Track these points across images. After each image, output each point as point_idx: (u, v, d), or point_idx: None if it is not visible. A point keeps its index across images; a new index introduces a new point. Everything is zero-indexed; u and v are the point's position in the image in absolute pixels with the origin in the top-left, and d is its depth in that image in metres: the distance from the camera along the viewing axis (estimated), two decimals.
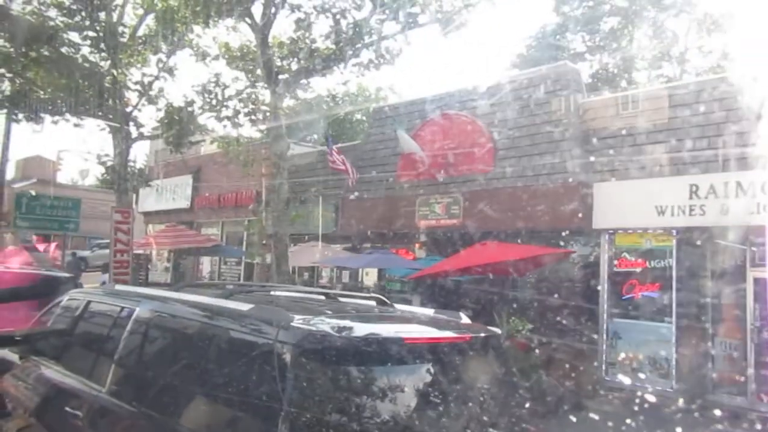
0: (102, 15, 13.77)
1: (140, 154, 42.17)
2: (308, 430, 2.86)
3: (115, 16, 14.25)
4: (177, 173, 20.43)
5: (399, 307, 4.41)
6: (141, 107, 14.35)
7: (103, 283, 12.58)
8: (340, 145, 15.50)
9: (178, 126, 13.12)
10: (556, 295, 10.63)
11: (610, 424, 7.38)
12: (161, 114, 14.03)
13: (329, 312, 3.75)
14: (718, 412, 8.43)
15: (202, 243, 16.97)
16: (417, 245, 13.48)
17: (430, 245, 13.25)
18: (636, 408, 8.42)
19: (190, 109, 12.91)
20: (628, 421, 7.64)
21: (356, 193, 14.41)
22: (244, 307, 3.47)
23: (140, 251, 18.95)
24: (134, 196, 18.03)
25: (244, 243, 18.01)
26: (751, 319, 9.53)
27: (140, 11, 14.75)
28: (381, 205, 13.65)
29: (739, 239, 9.59)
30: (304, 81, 11.29)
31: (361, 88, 28.27)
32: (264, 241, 13.46)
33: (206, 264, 19.87)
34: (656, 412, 8.10)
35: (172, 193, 20.70)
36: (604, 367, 10.10)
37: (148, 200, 21.60)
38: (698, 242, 9.94)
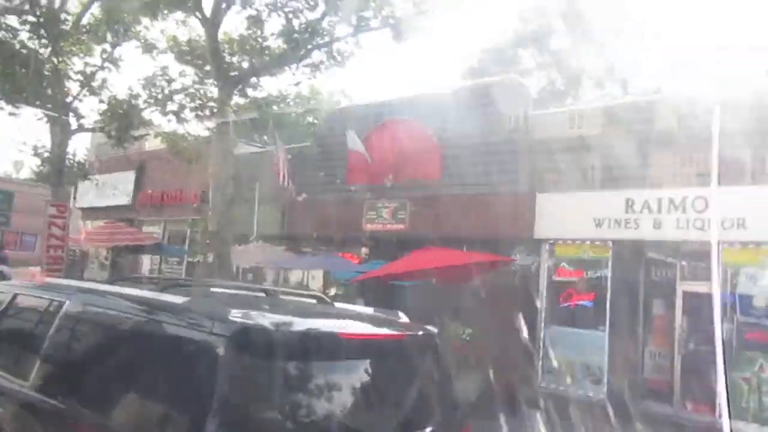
0: (43, 0, 13.23)
1: (80, 147, 40.53)
2: (238, 427, 2.80)
3: (57, 2, 13.71)
4: (118, 169, 19.74)
5: (339, 305, 4.41)
6: (82, 98, 13.83)
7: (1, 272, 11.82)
8: (291, 146, 15.37)
9: (121, 119, 12.71)
10: (496, 302, 10.81)
11: (540, 428, 7.57)
12: (104, 106, 13.55)
13: (267, 307, 3.71)
14: (643, 418, 8.75)
15: (142, 241, 16.48)
16: (363, 249, 13.50)
17: (376, 249, 13.28)
18: (566, 413, 8.66)
19: (134, 102, 12.53)
20: (557, 426, 7.86)
21: (304, 195, 14.31)
22: (179, 299, 3.39)
23: (75, 247, 18.23)
24: (72, 190, 17.34)
25: (187, 242, 17.61)
26: (679, 330, 9.97)
27: None
28: (328, 208, 13.59)
29: (670, 253, 10.04)
30: (254, 79, 11.16)
31: (313, 90, 28.13)
32: (207, 240, 13.17)
33: (146, 263, 19.28)
34: (586, 418, 8.33)
35: (113, 189, 19.99)
36: (540, 373, 10.34)
37: (87, 196, 20.80)
38: (632, 255, 10.35)
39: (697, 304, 9.84)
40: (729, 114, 9.01)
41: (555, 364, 10.27)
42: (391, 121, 13.06)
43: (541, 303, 10.58)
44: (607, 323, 9.95)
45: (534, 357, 10.41)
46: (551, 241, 10.70)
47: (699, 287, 9.75)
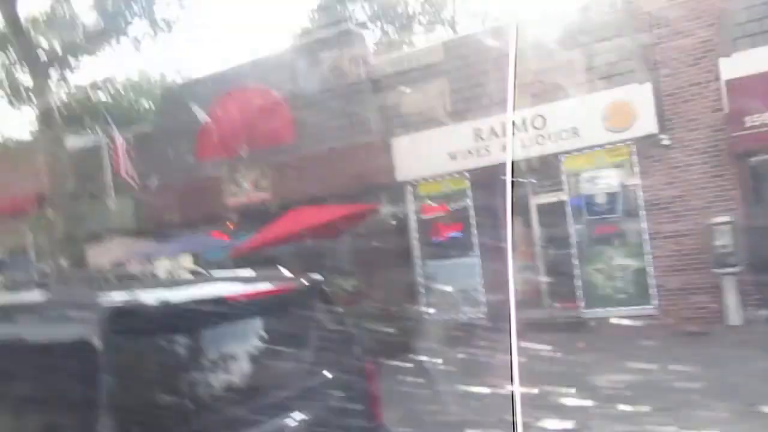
0: None
1: None
2: (134, 417, 2.61)
3: None
4: None
5: (216, 273, 4.23)
6: None
7: None
8: (131, 134, 14.30)
9: None
10: (373, 250, 11.04)
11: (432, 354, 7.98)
12: None
13: (141, 286, 3.47)
14: (520, 326, 9.48)
15: None
16: (229, 225, 13.06)
17: (243, 223, 12.91)
18: (451, 337, 9.18)
19: None
20: (447, 351, 8.33)
21: (156, 182, 13.48)
22: (41, 295, 3.06)
23: None
24: None
25: (32, 252, 15.92)
26: (539, 241, 10.86)
27: None
28: (185, 191, 12.94)
29: (520, 173, 10.77)
30: (71, 60, 10.09)
31: (143, 73, 26.28)
32: (54, 246, 12.01)
33: None
34: (468, 337, 8.89)
35: None
36: (425, 308, 10.80)
37: None
38: (488, 181, 10.98)
39: (550, 214, 10.78)
40: (545, 32, 9.82)
41: (437, 295, 10.77)
42: (235, 90, 12.56)
43: (414, 242, 10.96)
44: (477, 249, 10.55)
45: (417, 294, 10.83)
46: (413, 182, 11.04)
47: (549, 198, 10.66)
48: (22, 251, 16.34)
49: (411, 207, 11.08)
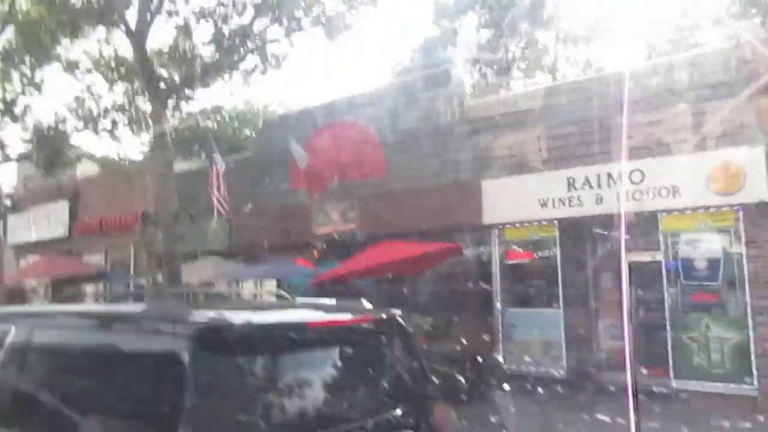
0: None
1: (6, 180, 38.49)
2: (212, 428, 2.69)
3: None
4: (50, 199, 18.85)
5: (300, 299, 4.33)
6: (4, 126, 13.13)
7: None
8: (230, 159, 15.10)
9: (48, 146, 12.14)
10: (454, 291, 10.93)
11: (505, 405, 7.70)
12: (29, 134, 12.90)
13: (229, 306, 3.62)
14: (602, 389, 9.00)
15: (84, 271, 15.78)
16: (315, 253, 13.38)
17: (328, 252, 13.19)
18: (530, 392, 8.84)
19: (61, 126, 11.99)
20: (524, 404, 8.01)
21: (250, 206, 14.08)
22: (136, 307, 3.26)
23: (11, 284, 17.28)
24: (1, 225, 16.44)
25: (132, 265, 16.99)
26: (628, 300, 10.33)
27: None
28: (276, 217, 13.43)
29: (613, 227, 10.37)
30: (187, 91, 10.88)
31: (248, 103, 27.82)
32: (154, 263, 12.75)
33: (90, 293, 18.45)
34: (549, 394, 8.54)
35: (47, 221, 19.07)
36: (502, 356, 10.50)
37: (19, 231, 19.74)
38: (578, 232, 10.66)
39: (643, 273, 10.25)
40: (652, 88, 9.52)
41: (516, 345, 10.45)
42: (331, 124, 13.03)
43: (496, 287, 10.75)
44: (561, 300, 10.19)
45: (495, 340, 10.56)
46: (500, 226, 10.89)
47: (643, 257, 10.16)
48: (124, 266, 17.48)
49: (496, 251, 10.90)
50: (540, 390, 9.05)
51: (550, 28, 24.88)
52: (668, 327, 9.15)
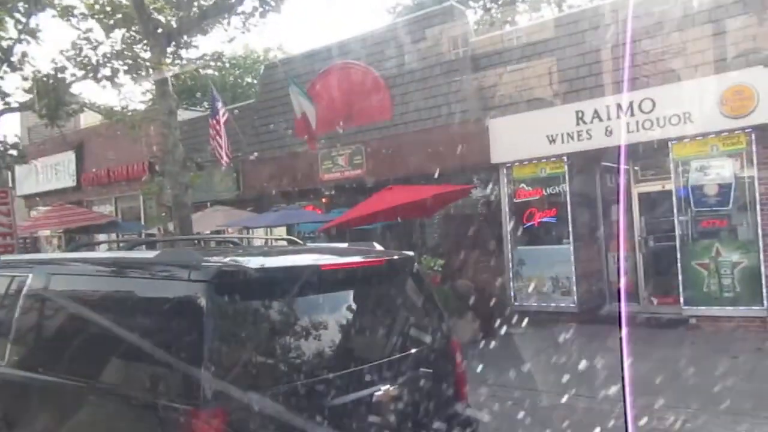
0: None
1: (10, 131, 38.39)
2: (231, 371, 2.75)
3: None
4: (57, 150, 18.84)
5: (312, 245, 4.37)
6: (3, 75, 12.93)
7: None
8: (231, 107, 14.95)
9: (49, 95, 11.98)
10: (463, 231, 10.97)
11: (517, 341, 7.86)
12: (28, 83, 12.72)
13: (241, 251, 3.64)
14: (614, 320, 9.16)
15: (95, 220, 15.89)
16: (323, 199, 13.41)
17: (336, 198, 13.22)
18: (542, 327, 8.99)
19: (61, 75, 11.82)
20: (534, 339, 8.17)
21: (256, 154, 14.05)
22: (150, 254, 3.29)
23: (25, 235, 17.53)
24: (9, 175, 16.48)
25: (143, 215, 17.15)
26: (639, 232, 10.36)
27: None
28: (283, 164, 13.41)
29: (622, 159, 10.27)
30: (186, 38, 10.63)
31: (248, 49, 27.33)
32: (164, 212, 12.83)
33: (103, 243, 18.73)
34: (561, 328, 8.68)
35: (54, 172, 19.16)
36: (513, 294, 10.63)
37: (27, 182, 19.88)
38: (588, 166, 10.59)
39: (653, 203, 10.24)
40: (658, 15, 9.22)
41: (526, 282, 10.55)
42: (334, 67, 12.78)
43: (505, 225, 10.77)
44: (571, 236, 10.21)
45: (505, 278, 10.67)
46: (508, 164, 10.80)
47: (653, 187, 10.12)
48: (134, 215, 17.63)
49: (504, 190, 10.86)
50: (552, 324, 9.22)
51: None
52: (678, 255, 9.18)
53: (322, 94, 12.67)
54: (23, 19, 12.14)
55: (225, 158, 11.85)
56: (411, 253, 3.92)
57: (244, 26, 11.30)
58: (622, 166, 10.11)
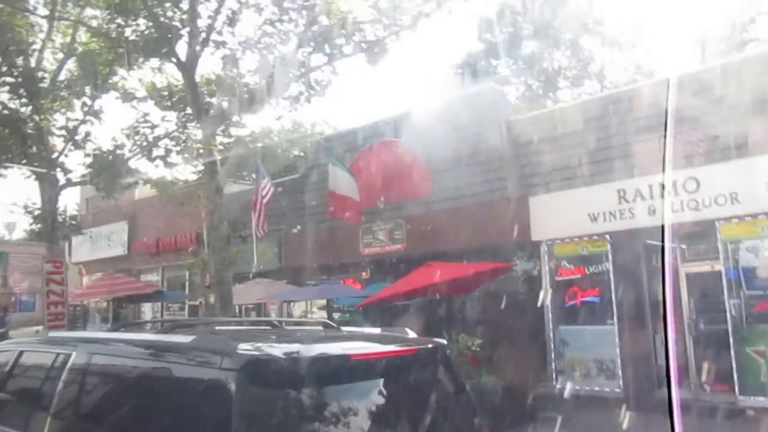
0: (19, 60, 13.34)
1: (70, 202, 40.48)
2: None
3: (33, 61, 13.84)
4: (111, 220, 19.74)
5: (346, 329, 4.38)
6: (68, 153, 13.88)
7: (37, 331, 11.93)
8: (277, 181, 15.41)
9: (107, 170, 12.73)
10: (502, 310, 10.78)
11: (559, 428, 7.51)
12: (89, 159, 13.58)
13: (275, 338, 3.69)
14: (663, 407, 8.67)
15: (142, 289, 16.38)
16: (363, 274, 13.47)
17: (376, 272, 13.26)
18: (584, 412, 8.60)
19: (119, 152, 12.57)
20: (576, 425, 7.80)
21: (299, 227, 14.33)
22: (186, 339, 3.37)
23: (76, 302, 18.11)
24: (66, 245, 17.26)
25: (187, 286, 17.52)
26: (687, 313, 9.96)
27: (60, 55, 14.39)
28: (324, 237, 13.61)
29: (668, 238, 10.03)
30: (235, 117, 11.22)
31: (296, 123, 28.39)
32: (207, 283, 13.10)
33: (148, 311, 19.16)
34: (606, 414, 8.29)
35: (107, 241, 19.95)
36: (554, 375, 10.27)
37: (82, 250, 20.75)
38: (631, 244, 10.37)
39: (702, 284, 9.88)
40: (703, 93, 9.21)
41: (568, 363, 10.20)
42: (376, 144, 13.12)
43: (547, 304, 10.54)
44: (615, 316, 9.92)
45: (546, 359, 10.34)
46: (549, 242, 10.70)
47: (701, 267, 9.79)
48: (179, 284, 18.05)
49: (546, 268, 10.71)
50: (596, 410, 8.82)
51: (595, 33, 24.44)
52: (731, 340, 8.76)
53: (363, 170, 12.96)
54: (89, 102, 13.05)
55: (260, 232, 12.15)
56: (443, 341, 3.89)
57: (291, 107, 11.87)
58: (668, 246, 9.86)
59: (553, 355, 10.35)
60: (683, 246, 10.14)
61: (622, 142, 10.12)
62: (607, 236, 10.08)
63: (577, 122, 10.77)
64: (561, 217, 10.33)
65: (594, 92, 23.78)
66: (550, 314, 10.49)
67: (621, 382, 9.66)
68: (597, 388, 9.79)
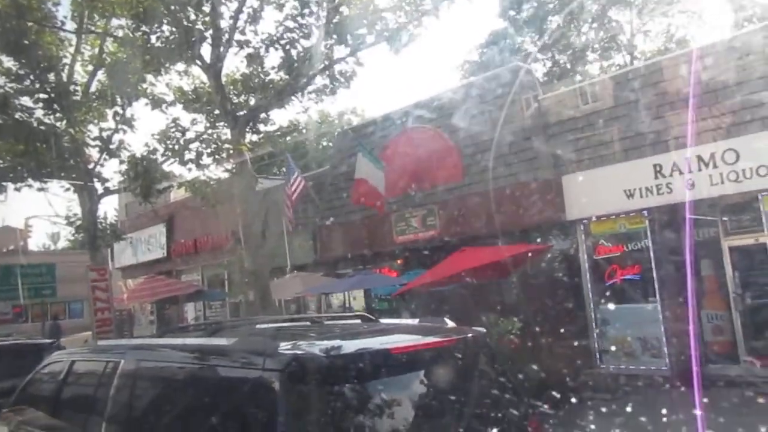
0: (51, 76, 13.70)
1: (110, 209, 41.61)
2: None
3: (64, 76, 14.20)
4: (149, 224, 20.21)
5: (384, 321, 4.41)
6: (103, 162, 14.27)
7: (86, 341, 12.35)
8: (308, 174, 15.51)
9: (143, 176, 13.01)
10: (541, 291, 10.69)
11: (608, 410, 7.42)
12: (124, 166, 13.91)
13: (315, 335, 3.73)
14: (712, 384, 8.52)
15: (184, 290, 16.75)
16: (398, 261, 13.49)
17: (411, 260, 13.27)
18: (633, 392, 8.48)
19: (152, 157, 12.84)
20: (626, 406, 7.69)
21: (332, 219, 14.42)
22: (228, 341, 3.44)
23: (121, 307, 18.64)
24: (109, 252, 17.75)
25: (226, 284, 17.83)
26: (732, 288, 9.70)
27: (90, 67, 14.73)
28: (357, 227, 13.67)
29: (708, 211, 9.79)
30: (263, 115, 11.32)
31: (323, 114, 28.47)
32: (246, 279, 13.32)
33: (191, 311, 19.60)
34: (652, 393, 8.16)
35: (147, 245, 20.44)
36: (597, 355, 10.15)
37: (124, 255, 21.32)
38: (670, 220, 10.13)
39: (746, 257, 9.60)
40: (738, 60, 8.90)
41: (612, 343, 10.07)
42: (406, 130, 13.08)
43: (586, 284, 10.40)
44: (657, 294, 9.73)
45: (589, 339, 10.22)
46: (585, 221, 10.53)
47: (745, 240, 9.52)
48: (219, 282, 18.39)
49: (583, 247, 10.55)
50: (644, 389, 8.69)
51: (622, 1, 23.74)
52: None
53: (394, 157, 12.92)
54: (120, 111, 13.33)
55: (290, 226, 12.26)
56: (482, 330, 3.87)
57: (317, 97, 11.90)
58: (709, 219, 9.62)
59: (595, 335, 10.23)
60: (725, 219, 9.86)
61: (656, 115, 9.87)
62: (645, 212, 9.86)
63: (608, 97, 10.54)
64: (596, 195, 10.15)
65: (624, 64, 23.18)
66: (590, 293, 10.34)
67: (668, 360, 9.48)
68: (643, 367, 9.65)
